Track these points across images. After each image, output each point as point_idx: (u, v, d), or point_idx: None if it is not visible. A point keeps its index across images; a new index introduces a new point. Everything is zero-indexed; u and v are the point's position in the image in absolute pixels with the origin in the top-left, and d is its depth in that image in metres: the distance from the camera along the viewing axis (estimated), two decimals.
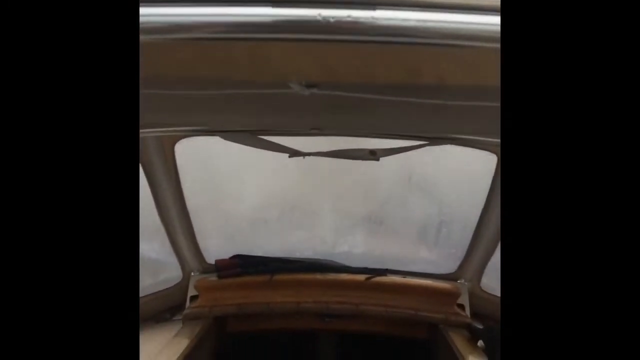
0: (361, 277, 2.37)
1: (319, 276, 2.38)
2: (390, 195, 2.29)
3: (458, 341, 2.08)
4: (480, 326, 2.23)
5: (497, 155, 1.96)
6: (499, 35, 0.73)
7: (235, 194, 2.25)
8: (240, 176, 2.16)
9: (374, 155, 1.93)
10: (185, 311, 2.31)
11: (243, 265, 2.41)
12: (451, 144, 1.89)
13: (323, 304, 2.32)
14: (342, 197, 2.27)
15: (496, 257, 2.42)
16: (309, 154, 1.91)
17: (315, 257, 2.44)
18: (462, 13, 0.78)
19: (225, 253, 2.42)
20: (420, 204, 2.30)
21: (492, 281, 2.50)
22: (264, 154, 1.90)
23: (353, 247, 2.45)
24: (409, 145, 1.92)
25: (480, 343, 2.07)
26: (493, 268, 2.47)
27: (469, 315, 2.38)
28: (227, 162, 2.07)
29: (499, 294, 2.48)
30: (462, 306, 2.44)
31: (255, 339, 3.19)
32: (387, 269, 2.45)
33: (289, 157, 1.92)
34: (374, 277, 2.38)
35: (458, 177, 2.13)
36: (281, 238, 2.43)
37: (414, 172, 2.20)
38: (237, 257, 2.43)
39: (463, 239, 2.39)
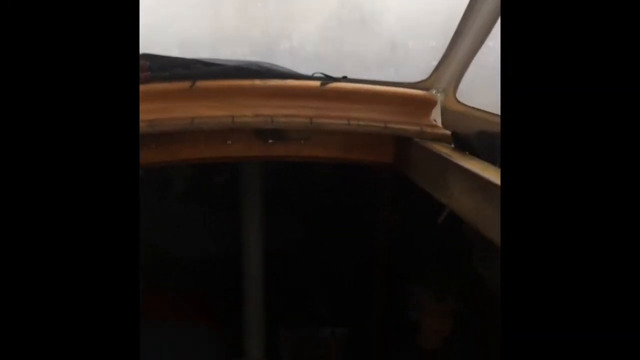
0: (315, 84, 1.83)
1: (258, 83, 1.80)
2: None
3: (444, 151, 1.66)
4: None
5: None
6: None
7: None
8: None
9: None
10: None
11: (153, 68, 1.76)
12: None
13: (266, 118, 1.78)
14: None
15: (475, 66, 1.98)
16: None
17: (253, 58, 1.83)
18: None
19: None
20: None
21: (468, 92, 2.08)
22: None
23: (304, 42, 1.85)
24: None
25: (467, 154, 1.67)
26: (470, 77, 2.05)
27: None
28: None
29: (476, 105, 2.12)
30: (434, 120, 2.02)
31: (174, 172, 2.65)
32: (345, 76, 1.93)
33: None
34: (329, 83, 1.84)
35: None
36: (205, 26, 1.75)
37: None
38: (145, 58, 1.77)
39: (442, 38, 1.89)
